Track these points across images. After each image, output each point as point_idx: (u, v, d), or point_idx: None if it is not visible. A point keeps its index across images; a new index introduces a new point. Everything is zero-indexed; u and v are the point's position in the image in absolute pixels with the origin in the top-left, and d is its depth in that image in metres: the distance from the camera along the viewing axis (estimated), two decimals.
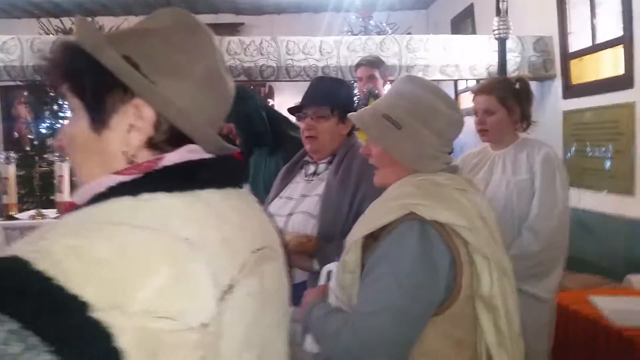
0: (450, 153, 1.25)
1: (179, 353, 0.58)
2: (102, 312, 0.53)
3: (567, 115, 3.63)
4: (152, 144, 0.71)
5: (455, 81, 5.25)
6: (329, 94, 1.76)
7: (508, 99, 2.01)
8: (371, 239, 1.11)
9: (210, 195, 0.69)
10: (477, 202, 1.13)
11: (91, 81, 0.69)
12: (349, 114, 1.30)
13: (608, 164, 3.21)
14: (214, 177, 0.71)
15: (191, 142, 0.72)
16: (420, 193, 1.09)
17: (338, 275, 1.18)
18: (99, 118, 0.69)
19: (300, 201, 1.74)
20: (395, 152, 1.17)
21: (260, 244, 0.75)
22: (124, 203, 0.63)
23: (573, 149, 3.55)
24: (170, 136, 0.71)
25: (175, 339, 0.57)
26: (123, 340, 0.53)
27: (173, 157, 0.70)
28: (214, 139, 0.73)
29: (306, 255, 1.61)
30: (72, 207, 0.69)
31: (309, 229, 1.66)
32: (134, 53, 0.69)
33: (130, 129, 0.69)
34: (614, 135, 3.15)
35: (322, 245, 1.59)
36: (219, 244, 0.66)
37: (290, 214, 1.73)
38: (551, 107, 3.85)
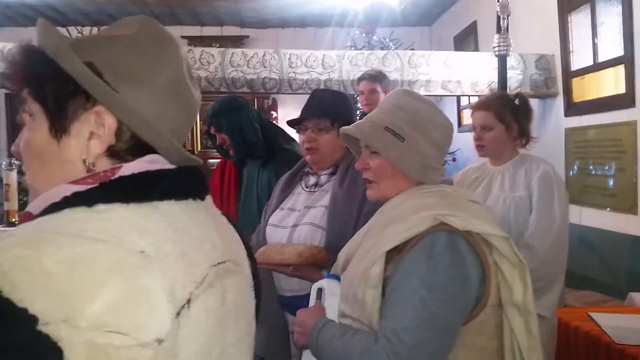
0: (442, 165, 1.26)
1: None
2: (51, 325, 0.52)
3: (569, 132, 3.65)
4: (112, 153, 0.69)
5: (458, 97, 5.28)
6: (330, 107, 1.77)
7: (506, 115, 2.01)
8: (395, 252, 1.09)
9: (168, 207, 0.67)
10: (487, 212, 1.16)
11: (53, 87, 0.68)
12: (343, 127, 1.29)
13: (610, 182, 3.21)
14: (173, 188, 0.69)
15: (154, 151, 0.71)
16: (445, 203, 1.10)
17: (354, 291, 1.12)
18: (59, 124, 0.68)
19: (304, 212, 1.74)
20: (401, 164, 1.17)
21: (222, 257, 0.73)
22: (78, 214, 0.61)
23: (575, 166, 3.56)
24: (132, 145, 0.70)
25: (127, 355, 0.55)
26: (72, 355, 0.52)
27: (131, 167, 0.68)
28: (177, 150, 0.72)
29: (316, 267, 1.60)
30: (27, 217, 0.67)
31: (316, 241, 1.66)
32: (97, 60, 0.68)
33: (90, 137, 0.68)
34: (617, 153, 3.16)
35: (331, 257, 1.58)
36: (176, 257, 0.64)
37: (295, 225, 1.72)
38: (553, 125, 3.86)
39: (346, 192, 1.66)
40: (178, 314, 0.61)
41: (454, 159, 5.22)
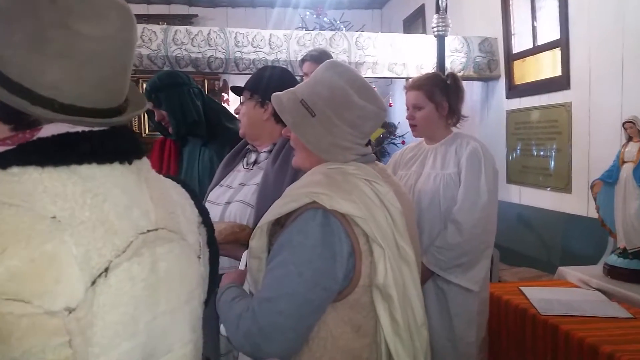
0: (367, 145, 1.24)
1: (35, 338, 0.54)
2: None
3: (510, 114, 3.75)
4: (9, 118, 0.66)
5: (407, 79, 5.33)
6: (255, 79, 1.76)
7: (435, 94, 2.04)
8: (278, 226, 1.11)
9: (89, 171, 0.65)
10: (382, 191, 1.13)
11: None
12: (274, 94, 1.25)
13: (548, 162, 3.33)
14: (94, 151, 0.67)
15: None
16: (326, 182, 1.09)
17: (247, 261, 1.18)
18: None
19: (238, 190, 1.72)
20: (306, 139, 1.17)
21: (154, 224, 0.71)
22: None
23: (517, 147, 3.67)
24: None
25: (29, 323, 0.54)
26: None
27: (51, 129, 0.66)
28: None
29: (239, 245, 1.58)
30: None
31: (245, 219, 1.64)
32: None
33: None
34: (553, 134, 3.27)
35: None
36: (94, 224, 0.62)
37: (228, 203, 1.70)
38: (495, 107, 3.96)
39: (278, 170, 1.64)
40: (93, 282, 0.60)
41: (403, 142, 5.29)
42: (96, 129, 0.69)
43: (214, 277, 0.93)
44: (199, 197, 0.90)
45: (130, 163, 0.71)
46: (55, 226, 0.58)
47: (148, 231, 0.69)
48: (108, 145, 0.68)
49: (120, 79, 0.72)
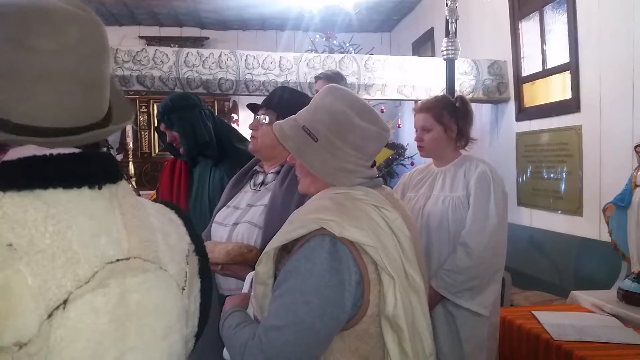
0: (373, 167, 1.23)
1: None
2: None
3: (520, 137, 3.74)
4: None
5: (416, 101, 5.35)
6: (279, 101, 1.76)
7: (444, 117, 2.04)
8: (285, 251, 1.10)
9: (54, 196, 0.62)
10: (391, 218, 1.12)
11: None
12: (275, 122, 1.26)
13: (559, 185, 3.31)
14: (60, 175, 0.63)
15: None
16: (335, 208, 1.08)
17: (253, 286, 1.16)
18: None
19: (246, 211, 1.72)
20: (310, 164, 1.17)
21: (126, 253, 0.67)
22: None
23: (527, 170, 3.65)
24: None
25: None
26: None
27: (18, 152, 0.63)
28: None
29: (247, 266, 1.57)
30: None
31: (252, 239, 1.63)
32: None
33: None
34: (564, 157, 3.25)
35: None
36: (54, 252, 0.59)
37: (235, 224, 1.70)
38: (505, 129, 3.96)
39: (285, 191, 1.64)
40: (50, 315, 0.56)
41: (412, 163, 5.29)
42: (67, 151, 0.66)
43: (207, 309, 0.89)
44: (193, 225, 0.87)
45: (100, 188, 0.68)
46: (10, 254, 0.56)
47: (117, 260, 0.65)
48: (76, 168, 0.65)
49: (85, 96, 0.67)
